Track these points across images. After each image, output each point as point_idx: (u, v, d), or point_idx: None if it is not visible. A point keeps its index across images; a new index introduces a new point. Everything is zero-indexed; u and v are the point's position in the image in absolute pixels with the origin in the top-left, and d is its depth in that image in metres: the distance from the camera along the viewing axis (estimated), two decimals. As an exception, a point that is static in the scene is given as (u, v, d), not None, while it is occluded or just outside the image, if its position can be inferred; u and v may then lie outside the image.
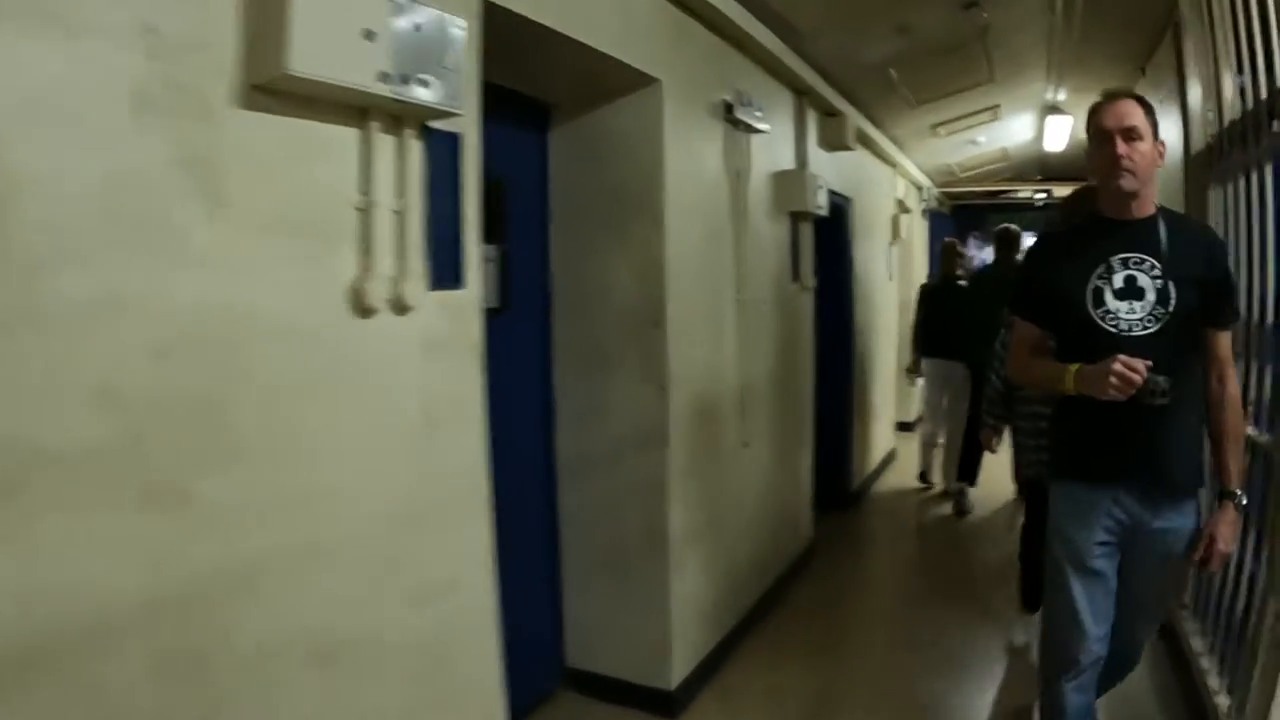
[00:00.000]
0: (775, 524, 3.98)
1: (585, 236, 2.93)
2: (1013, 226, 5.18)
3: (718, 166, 3.29)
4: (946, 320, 5.48)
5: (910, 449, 6.84)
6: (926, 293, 5.93)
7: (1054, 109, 6.04)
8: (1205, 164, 3.19)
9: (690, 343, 3.01)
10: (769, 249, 3.89)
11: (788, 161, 4.19)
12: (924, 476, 6.11)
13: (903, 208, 7.71)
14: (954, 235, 9.87)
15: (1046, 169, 9.30)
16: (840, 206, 5.31)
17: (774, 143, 3.92)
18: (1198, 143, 3.30)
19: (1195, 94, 3.30)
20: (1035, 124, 7.21)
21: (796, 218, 4.22)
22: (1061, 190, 9.64)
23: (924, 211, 8.69)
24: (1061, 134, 7.05)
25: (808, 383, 4.54)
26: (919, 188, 8.50)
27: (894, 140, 6.72)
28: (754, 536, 3.66)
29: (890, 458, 7.01)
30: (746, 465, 3.58)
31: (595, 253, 2.92)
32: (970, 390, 5.09)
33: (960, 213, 10.97)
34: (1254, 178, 2.57)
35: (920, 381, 6.17)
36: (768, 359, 3.86)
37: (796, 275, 4.29)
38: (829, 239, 5.18)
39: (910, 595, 4.23)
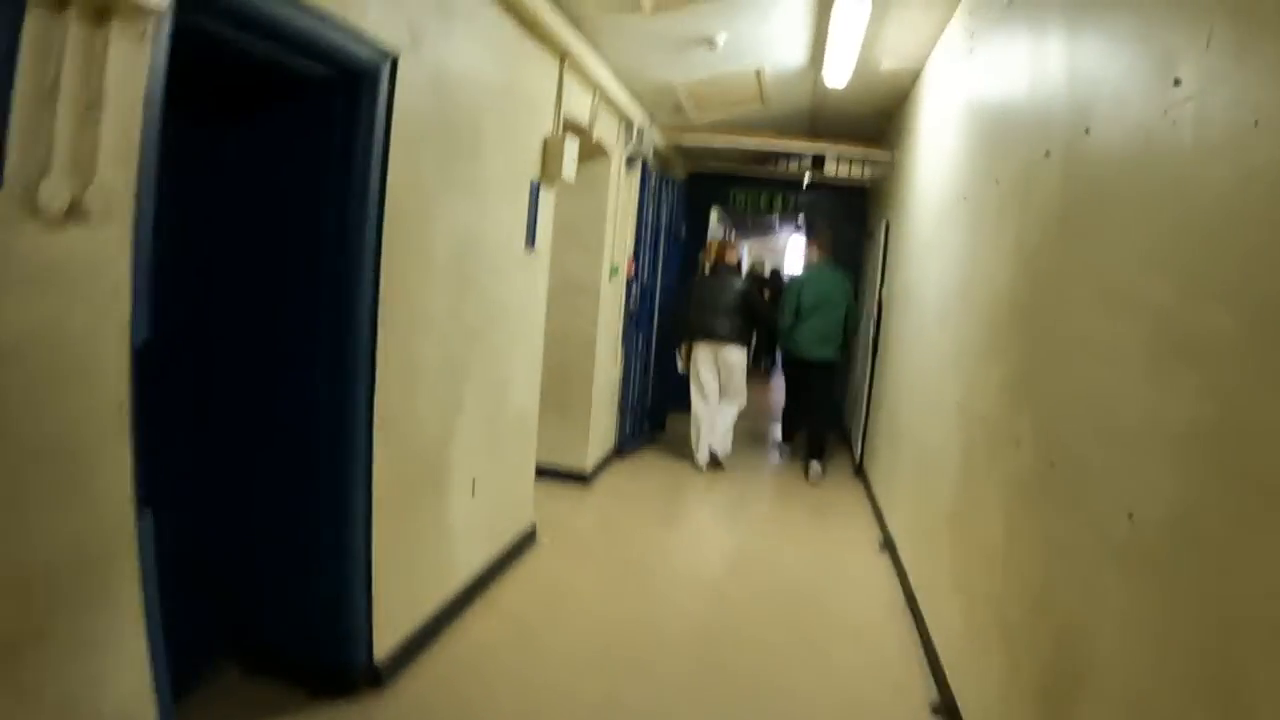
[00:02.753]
0: None
1: None
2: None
3: None
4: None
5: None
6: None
7: None
8: None
9: None
10: None
11: None
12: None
13: (583, 138, 4.47)
14: (681, 208, 6.88)
15: (820, 123, 6.51)
16: (354, 68, 2.16)
17: None
18: None
19: None
20: (809, 34, 4.21)
21: None
22: (838, 158, 6.90)
23: (629, 161, 5.50)
24: (848, 56, 4.14)
25: None
26: (625, 121, 5.32)
27: (566, 12, 3.46)
28: None
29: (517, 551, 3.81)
30: None
31: None
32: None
33: (697, 181, 8.03)
34: None
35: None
36: None
37: None
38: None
39: None
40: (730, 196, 8.37)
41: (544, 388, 5.41)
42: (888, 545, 4.51)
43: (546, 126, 3.89)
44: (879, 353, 5.79)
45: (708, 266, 6.44)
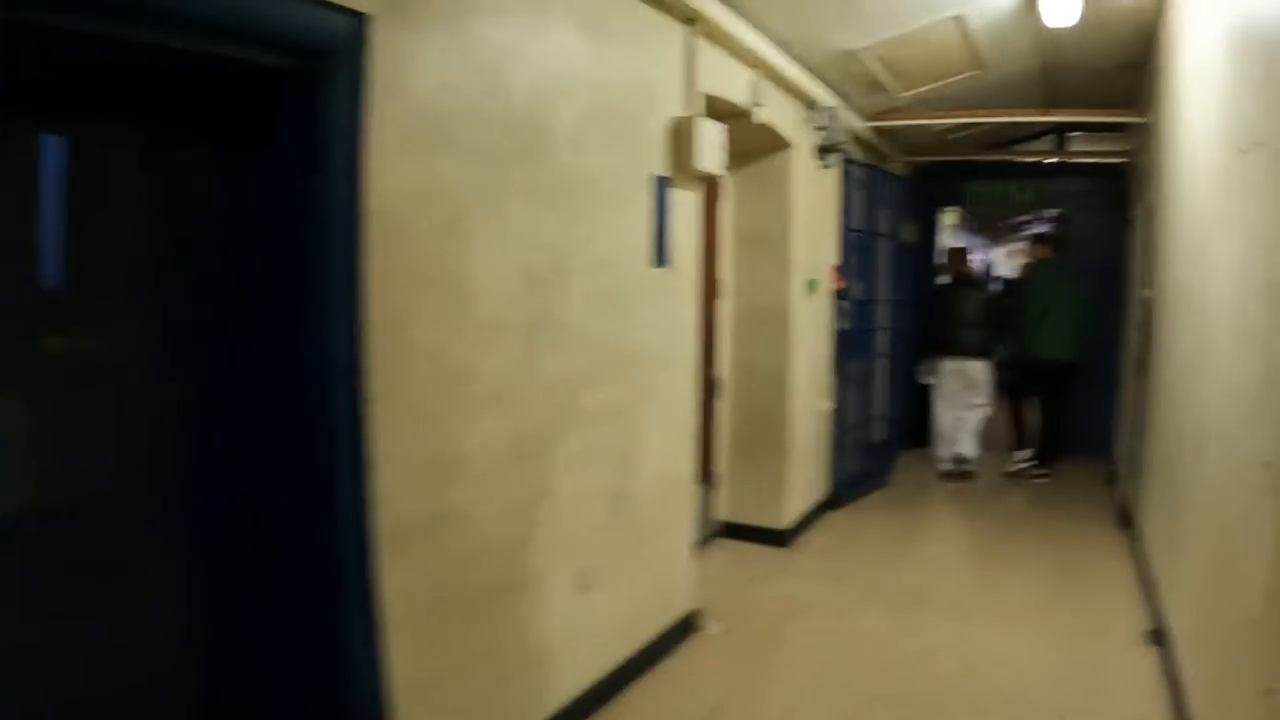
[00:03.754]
0: None
1: None
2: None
3: None
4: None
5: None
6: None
7: None
8: None
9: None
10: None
11: None
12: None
13: (740, 124, 3.62)
14: (906, 208, 5.76)
15: (1055, 88, 5.07)
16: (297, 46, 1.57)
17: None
18: None
19: None
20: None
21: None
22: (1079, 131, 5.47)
23: (821, 151, 4.50)
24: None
25: None
26: (806, 102, 4.36)
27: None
28: None
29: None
30: None
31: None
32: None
33: (924, 177, 6.74)
34: None
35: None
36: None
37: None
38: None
39: None
40: (964, 192, 6.95)
41: (728, 433, 4.55)
42: (1158, 638, 3.10)
43: (673, 108, 3.06)
44: (1149, 373, 4.23)
45: (949, 278, 6.25)
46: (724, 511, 4.58)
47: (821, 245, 4.75)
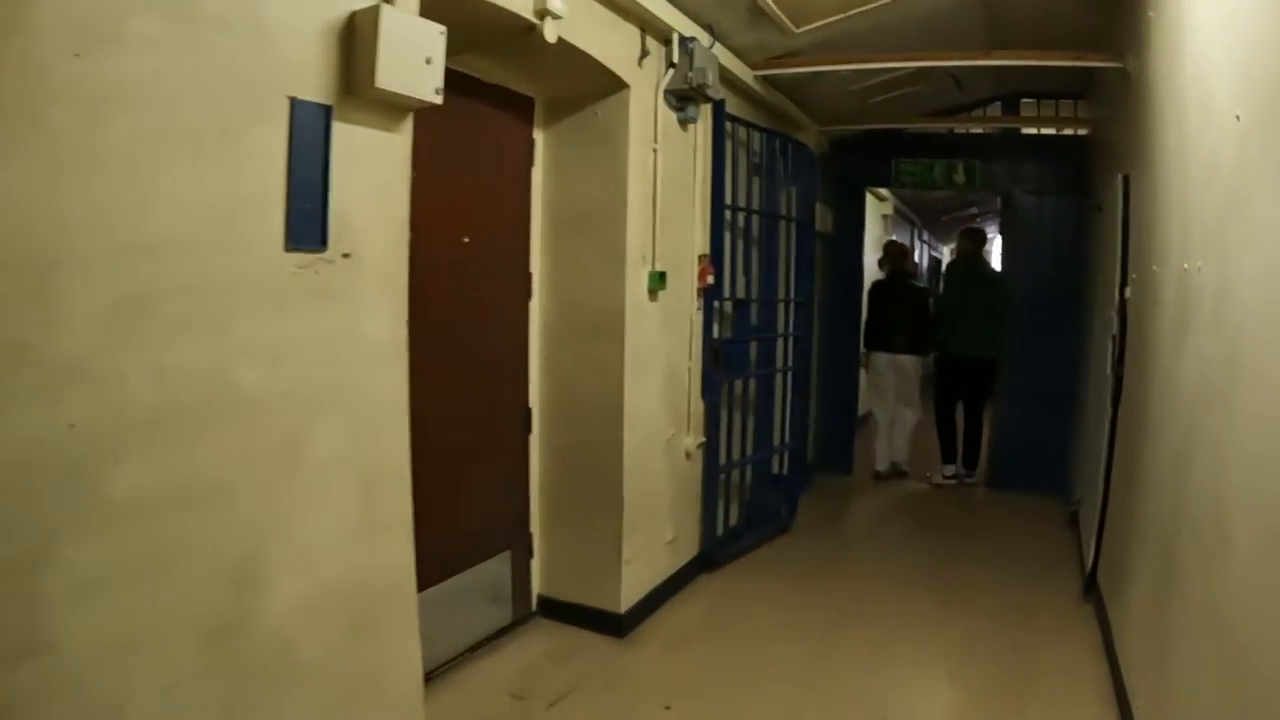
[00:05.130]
0: None
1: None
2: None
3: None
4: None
5: None
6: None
7: None
8: None
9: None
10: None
11: None
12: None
13: (520, 34, 2.45)
14: (818, 189, 4.67)
15: (1001, 28, 3.95)
16: None
17: None
18: None
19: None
20: None
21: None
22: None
23: (676, 99, 3.31)
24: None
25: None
26: (652, 29, 3.22)
27: None
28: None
29: None
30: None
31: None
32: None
33: (844, 153, 5.58)
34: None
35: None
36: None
37: None
38: None
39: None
40: (893, 171, 5.80)
41: (546, 486, 3.36)
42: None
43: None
44: (1127, 402, 3.12)
45: (885, 273, 6.16)
46: (544, 584, 3.39)
47: (681, 228, 3.55)
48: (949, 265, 6.59)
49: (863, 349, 6.02)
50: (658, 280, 3.29)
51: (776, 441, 4.48)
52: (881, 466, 5.96)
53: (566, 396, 3.30)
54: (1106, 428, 3.35)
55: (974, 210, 10.67)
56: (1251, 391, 1.51)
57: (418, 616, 2.20)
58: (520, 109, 3.21)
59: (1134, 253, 3.18)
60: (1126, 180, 3.32)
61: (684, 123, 3.50)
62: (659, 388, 3.44)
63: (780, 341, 4.48)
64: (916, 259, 10.20)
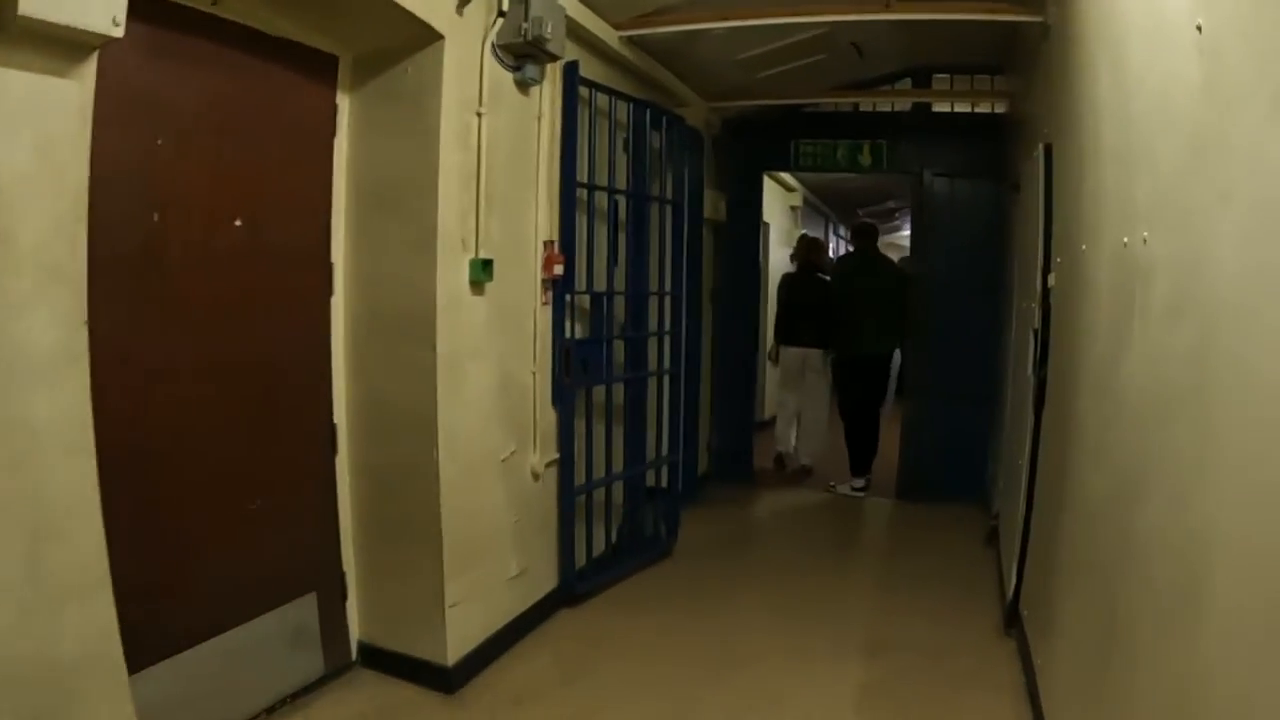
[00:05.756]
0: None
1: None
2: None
3: None
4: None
5: None
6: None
7: None
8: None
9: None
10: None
11: None
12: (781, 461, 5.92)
13: None
14: (723, 174, 4.24)
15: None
16: None
17: None
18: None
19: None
20: None
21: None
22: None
23: (513, 56, 2.77)
24: None
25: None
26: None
27: None
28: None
29: None
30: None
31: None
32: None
33: (740, 134, 5.12)
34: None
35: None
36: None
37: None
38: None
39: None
40: (793, 153, 5.36)
41: (360, 515, 2.80)
42: None
43: None
44: (1053, 406, 2.72)
45: (795, 266, 6.14)
46: (364, 630, 2.84)
47: (518, 209, 3.01)
48: (839, 260, 6.51)
49: (772, 342, 5.93)
50: (481, 270, 2.74)
51: (652, 455, 3.97)
52: (783, 448, 5.90)
53: (377, 410, 2.74)
54: (1028, 438, 2.94)
55: (892, 204, 10.35)
56: (1239, 394, 1.06)
57: (129, 692, 1.67)
58: (320, 68, 2.63)
59: (1059, 233, 2.77)
60: (1049, 150, 2.91)
61: (523, 85, 2.95)
62: (490, 398, 2.89)
63: (655, 341, 3.97)
64: (832, 255, 9.85)
